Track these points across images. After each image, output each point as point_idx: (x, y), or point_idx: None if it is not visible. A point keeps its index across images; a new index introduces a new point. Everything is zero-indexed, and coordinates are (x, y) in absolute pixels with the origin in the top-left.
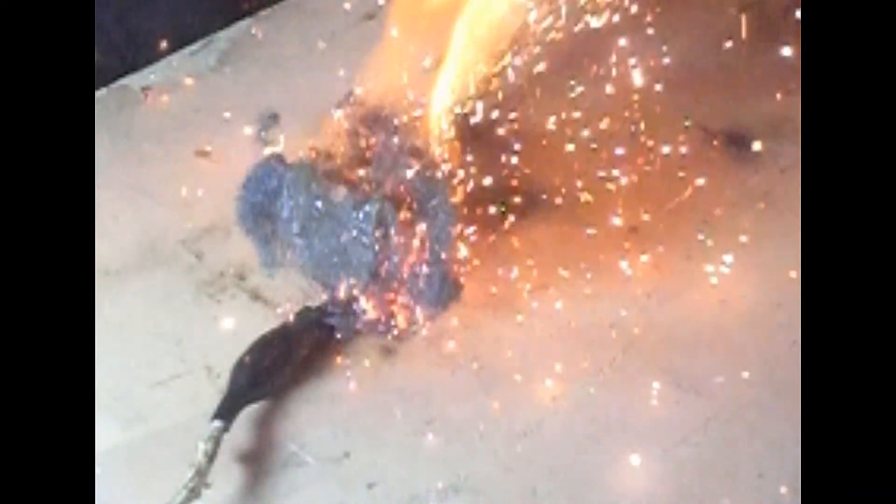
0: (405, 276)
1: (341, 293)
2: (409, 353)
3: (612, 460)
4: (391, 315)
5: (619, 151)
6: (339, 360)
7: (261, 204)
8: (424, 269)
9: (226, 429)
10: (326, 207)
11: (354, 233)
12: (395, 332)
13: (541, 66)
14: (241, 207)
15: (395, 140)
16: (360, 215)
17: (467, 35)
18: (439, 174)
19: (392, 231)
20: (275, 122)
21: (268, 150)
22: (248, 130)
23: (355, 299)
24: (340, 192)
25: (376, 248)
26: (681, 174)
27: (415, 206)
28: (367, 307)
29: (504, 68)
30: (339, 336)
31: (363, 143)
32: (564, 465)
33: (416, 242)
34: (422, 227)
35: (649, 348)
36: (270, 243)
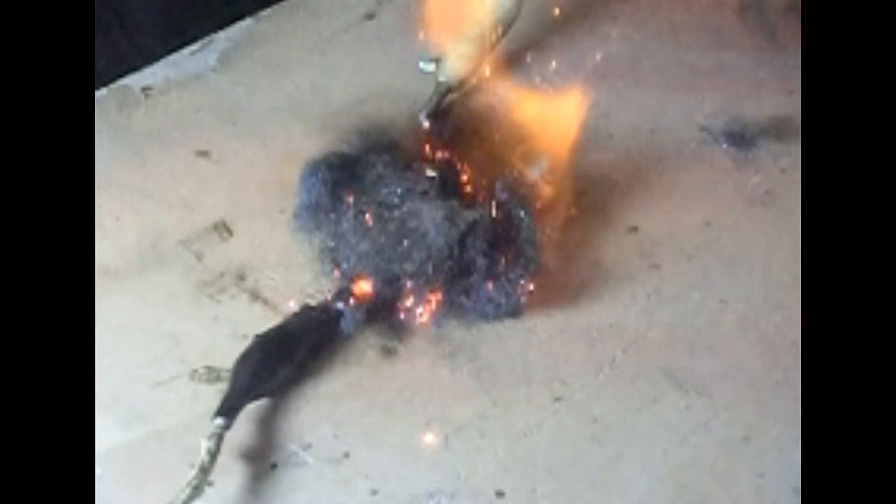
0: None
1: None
2: (409, 353)
3: (612, 460)
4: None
5: (619, 151)
6: (339, 360)
7: (339, 185)
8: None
9: (228, 426)
10: (405, 198)
11: (430, 226)
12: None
13: (538, 65)
14: (316, 182)
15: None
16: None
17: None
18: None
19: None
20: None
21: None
22: (249, 129)
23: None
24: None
25: (448, 246)
26: (681, 174)
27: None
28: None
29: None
30: (343, 329)
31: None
32: (564, 465)
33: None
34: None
35: (649, 348)
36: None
